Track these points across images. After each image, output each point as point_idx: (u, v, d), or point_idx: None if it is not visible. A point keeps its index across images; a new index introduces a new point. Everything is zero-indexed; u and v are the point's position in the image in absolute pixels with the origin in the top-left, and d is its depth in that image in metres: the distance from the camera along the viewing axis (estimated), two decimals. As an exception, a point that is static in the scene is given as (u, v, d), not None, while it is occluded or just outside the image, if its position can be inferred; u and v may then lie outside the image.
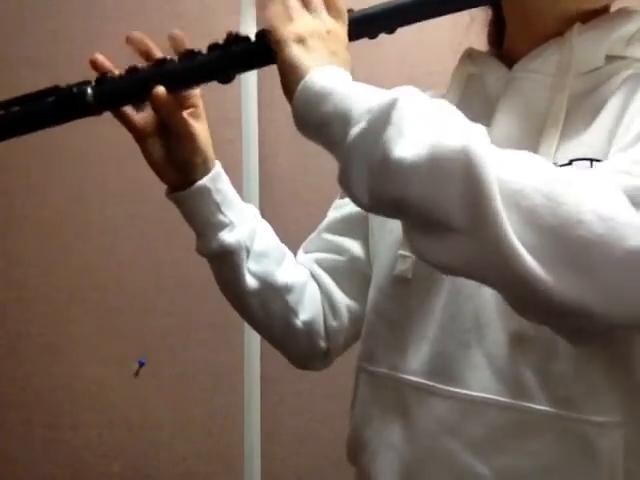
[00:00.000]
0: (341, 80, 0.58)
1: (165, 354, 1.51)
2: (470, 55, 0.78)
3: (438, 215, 0.51)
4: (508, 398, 0.64)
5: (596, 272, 0.50)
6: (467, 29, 0.81)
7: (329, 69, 0.59)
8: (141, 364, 1.51)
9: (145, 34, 0.72)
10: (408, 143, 0.51)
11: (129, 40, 0.72)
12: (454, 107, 0.55)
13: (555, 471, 0.63)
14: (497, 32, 0.80)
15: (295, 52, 0.60)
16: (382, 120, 0.53)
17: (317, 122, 0.58)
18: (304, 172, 1.47)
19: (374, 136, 0.53)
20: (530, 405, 0.63)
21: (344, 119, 0.55)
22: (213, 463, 1.52)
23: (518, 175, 0.50)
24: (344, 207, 0.86)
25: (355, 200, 0.56)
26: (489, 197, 0.48)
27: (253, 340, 1.45)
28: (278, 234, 0.84)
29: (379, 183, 0.53)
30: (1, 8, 1.52)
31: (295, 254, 0.86)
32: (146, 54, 0.71)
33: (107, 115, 0.70)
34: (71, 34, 1.51)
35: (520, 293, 0.52)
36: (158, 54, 0.71)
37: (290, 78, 0.60)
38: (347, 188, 0.56)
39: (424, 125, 0.52)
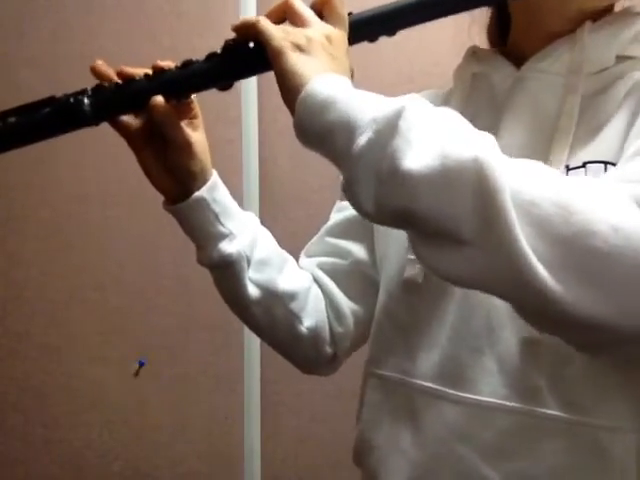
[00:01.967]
0: (343, 88, 0.56)
1: (165, 354, 1.51)
2: (475, 53, 0.78)
3: (449, 227, 0.49)
4: (519, 403, 0.64)
5: (609, 284, 0.49)
6: (468, 27, 0.80)
7: (330, 77, 0.57)
8: (141, 364, 1.51)
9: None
10: (417, 154, 0.50)
11: (121, 74, 0.68)
12: (460, 115, 0.54)
13: (566, 476, 0.62)
14: (499, 30, 0.79)
15: (293, 60, 0.59)
16: (389, 130, 0.51)
17: (320, 131, 0.56)
18: (304, 172, 1.47)
19: (381, 146, 0.51)
20: (541, 410, 0.63)
21: (349, 128, 0.53)
22: (213, 463, 1.52)
23: (530, 185, 0.49)
24: (346, 209, 0.85)
25: (360, 210, 0.54)
26: (502, 208, 0.47)
27: (253, 340, 1.45)
28: (278, 234, 0.83)
29: (387, 194, 0.51)
30: (1, 8, 1.52)
31: (294, 254, 0.86)
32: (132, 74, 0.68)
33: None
34: (71, 33, 1.51)
35: (532, 305, 0.51)
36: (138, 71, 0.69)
37: (290, 87, 0.58)
38: (352, 198, 0.54)
39: (433, 135, 0.50)
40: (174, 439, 1.52)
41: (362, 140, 0.52)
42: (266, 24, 0.62)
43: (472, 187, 0.48)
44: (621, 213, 0.49)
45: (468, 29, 0.80)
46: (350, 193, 0.54)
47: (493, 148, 0.51)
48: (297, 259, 0.87)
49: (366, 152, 0.52)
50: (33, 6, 1.52)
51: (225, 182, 0.78)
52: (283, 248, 0.84)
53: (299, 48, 0.59)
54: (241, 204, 0.80)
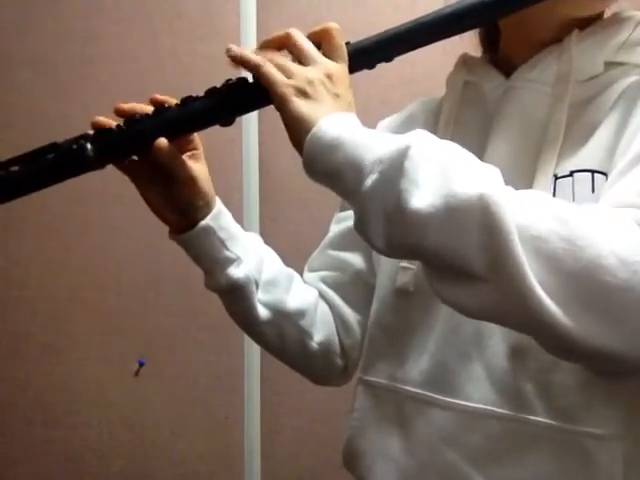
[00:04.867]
0: (350, 128, 0.57)
1: (165, 354, 1.51)
2: (466, 62, 0.78)
3: (458, 263, 0.50)
4: (507, 410, 0.64)
5: (619, 316, 0.49)
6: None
7: (336, 117, 0.58)
8: (141, 364, 1.51)
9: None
10: (423, 193, 0.51)
11: (119, 112, 0.68)
12: (465, 150, 0.54)
13: None
14: (491, 37, 0.79)
15: (298, 106, 0.59)
16: (395, 170, 0.52)
17: (328, 172, 0.57)
18: (304, 172, 1.47)
19: (388, 187, 0.52)
20: (529, 417, 0.63)
21: (356, 168, 0.55)
22: (213, 463, 1.52)
23: (536, 219, 0.50)
24: (344, 221, 0.86)
25: (372, 246, 0.56)
26: (510, 245, 0.48)
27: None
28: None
29: (396, 232, 0.53)
30: (1, 8, 1.52)
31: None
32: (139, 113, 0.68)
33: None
34: (71, 34, 1.51)
35: (544, 337, 0.53)
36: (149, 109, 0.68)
37: (297, 131, 0.59)
38: (364, 234, 0.56)
39: (438, 174, 0.51)
40: (174, 439, 1.52)
41: (369, 181, 0.53)
42: (269, 69, 0.61)
43: (479, 224, 0.49)
44: (628, 244, 0.49)
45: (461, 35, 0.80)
46: (361, 230, 0.56)
47: (499, 183, 0.51)
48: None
49: (374, 192, 0.53)
50: (33, 6, 1.52)
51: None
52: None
53: (303, 93, 0.60)
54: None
